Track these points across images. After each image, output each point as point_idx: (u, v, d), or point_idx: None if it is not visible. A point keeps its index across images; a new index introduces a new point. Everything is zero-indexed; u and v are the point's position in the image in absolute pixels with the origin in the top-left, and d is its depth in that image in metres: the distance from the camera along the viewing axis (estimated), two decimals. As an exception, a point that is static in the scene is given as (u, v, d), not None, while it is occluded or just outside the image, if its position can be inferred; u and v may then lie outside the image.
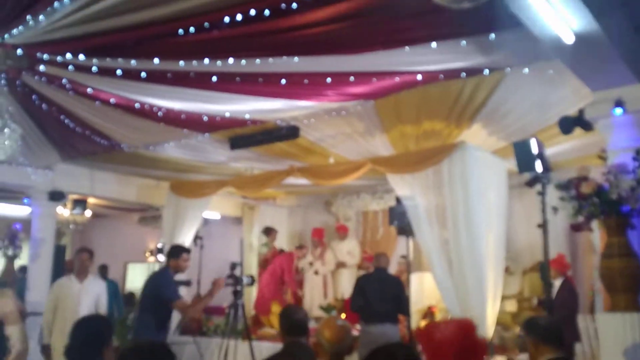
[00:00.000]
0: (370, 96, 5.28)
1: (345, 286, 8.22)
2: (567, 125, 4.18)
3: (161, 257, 7.45)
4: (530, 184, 4.22)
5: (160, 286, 5.16)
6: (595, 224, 4.38)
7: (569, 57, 3.74)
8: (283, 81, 4.79)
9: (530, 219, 4.66)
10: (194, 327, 7.69)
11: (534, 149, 4.09)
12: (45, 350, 5.75)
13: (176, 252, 5.38)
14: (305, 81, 4.82)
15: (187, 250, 5.48)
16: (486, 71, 4.60)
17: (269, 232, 9.33)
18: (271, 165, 7.56)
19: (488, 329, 5.41)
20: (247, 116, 5.85)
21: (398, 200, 6.13)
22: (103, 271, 9.91)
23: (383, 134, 6.29)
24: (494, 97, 5.08)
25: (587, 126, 4.18)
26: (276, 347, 4.82)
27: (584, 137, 5.34)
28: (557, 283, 6.39)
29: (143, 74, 4.68)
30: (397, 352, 1.62)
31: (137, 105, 5.48)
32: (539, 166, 4.05)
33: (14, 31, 4.21)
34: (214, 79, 4.72)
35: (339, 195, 9.70)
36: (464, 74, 4.70)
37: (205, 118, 5.75)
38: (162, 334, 5.14)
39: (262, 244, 9.53)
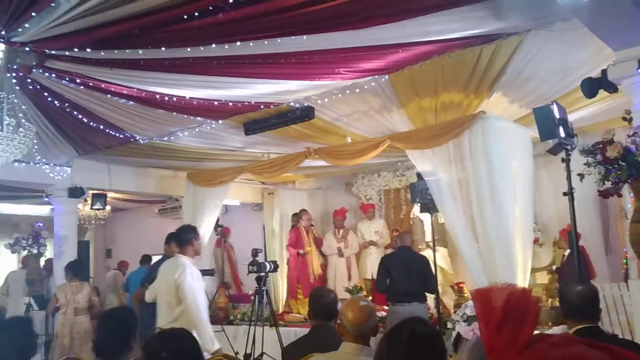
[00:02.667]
0: (383, 71, 5.14)
1: (374, 266, 8.13)
2: (590, 87, 4.00)
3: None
4: (554, 151, 4.07)
5: None
6: (624, 189, 4.21)
7: (587, 15, 3.55)
8: (293, 61, 4.69)
9: (558, 188, 4.50)
10: (221, 316, 7.71)
11: (556, 115, 3.92)
12: None
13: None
14: (316, 58, 4.70)
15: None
16: (502, 36, 4.43)
17: (297, 215, 9.10)
18: (288, 149, 7.47)
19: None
20: (259, 100, 5.76)
21: (419, 176, 6.00)
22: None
23: (400, 109, 6.14)
24: (513, 63, 4.91)
25: (610, 87, 3.99)
26: (305, 332, 4.78)
27: (609, 100, 5.15)
28: (567, 253, 6.26)
29: (150, 63, 4.61)
30: (418, 328, 1.58)
31: (148, 95, 5.43)
32: (561, 132, 3.89)
33: (20, 29, 4.18)
34: (222, 63, 4.63)
35: (359, 175, 9.58)
36: (478, 41, 4.54)
37: (216, 104, 5.67)
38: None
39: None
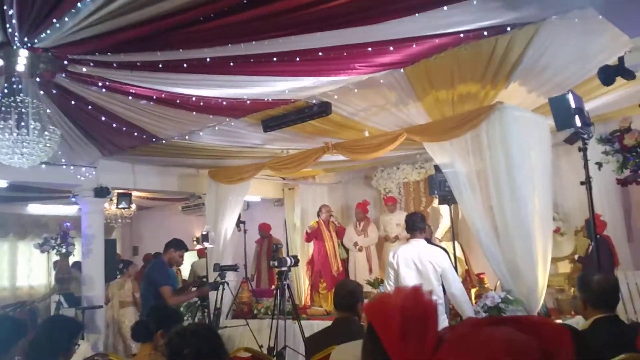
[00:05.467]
0: (399, 65, 5.16)
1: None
2: (608, 75, 3.98)
3: (207, 244, 7.59)
4: (570, 140, 4.06)
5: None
6: (644, 176, 4.19)
7: (602, 3, 3.54)
8: (308, 58, 4.73)
9: (579, 177, 4.46)
10: (245, 311, 7.83)
11: (572, 104, 3.91)
12: None
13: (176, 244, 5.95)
14: (331, 55, 4.74)
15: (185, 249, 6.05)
16: (516, 27, 4.42)
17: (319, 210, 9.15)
18: (306, 144, 7.54)
19: (539, 292, 5.30)
20: (276, 97, 5.83)
21: (437, 168, 6.01)
22: (156, 256, 10.09)
23: (417, 102, 6.16)
24: (529, 52, 4.88)
25: (628, 75, 3.98)
26: (327, 325, 4.85)
27: (627, 87, 5.09)
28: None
29: (169, 65, 4.70)
30: None
31: (168, 96, 5.54)
32: (577, 121, 3.88)
33: (43, 35, 4.30)
34: (238, 63, 4.70)
35: (378, 168, 9.61)
36: (493, 32, 4.52)
37: (234, 103, 5.76)
38: None
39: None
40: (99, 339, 7.92)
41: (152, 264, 6.17)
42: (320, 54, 4.69)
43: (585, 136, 3.95)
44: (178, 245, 5.93)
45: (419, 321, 1.07)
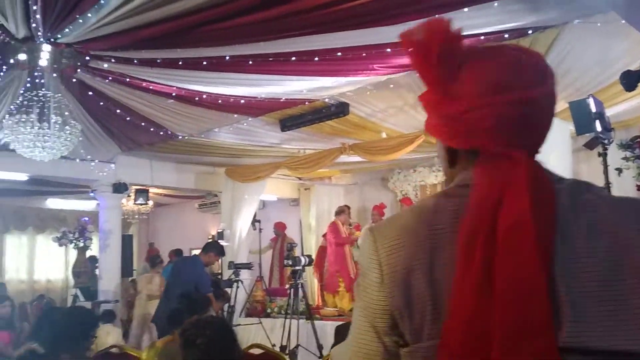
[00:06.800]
0: (417, 66, 5.13)
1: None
2: (630, 80, 3.91)
3: (222, 242, 7.63)
4: (590, 145, 4.01)
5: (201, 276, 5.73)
6: (665, 183, 4.13)
7: (625, 7, 3.49)
8: (327, 58, 4.74)
9: (598, 183, 4.40)
10: (259, 309, 7.86)
11: (592, 108, 3.86)
12: None
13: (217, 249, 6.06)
14: (350, 55, 4.74)
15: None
16: (538, 30, 4.38)
17: (341, 208, 9.15)
18: (323, 145, 7.55)
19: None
20: (294, 96, 5.84)
21: (454, 172, 5.98)
22: (178, 253, 10.17)
23: (435, 105, 6.12)
24: (550, 56, 4.82)
25: (652, 80, 3.90)
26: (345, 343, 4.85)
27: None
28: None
29: (189, 62, 4.74)
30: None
31: (187, 93, 5.58)
32: (597, 126, 3.83)
33: (66, 30, 4.36)
34: (258, 61, 4.72)
35: (395, 170, 9.57)
36: (514, 34, 4.49)
37: (253, 101, 5.79)
38: None
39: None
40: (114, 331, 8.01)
41: (194, 263, 6.16)
42: (339, 54, 4.70)
43: (606, 141, 3.90)
44: (220, 252, 6.14)
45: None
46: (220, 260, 8.64)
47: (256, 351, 4.04)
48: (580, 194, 0.94)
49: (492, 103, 0.95)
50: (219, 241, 7.60)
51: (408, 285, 0.91)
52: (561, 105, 5.87)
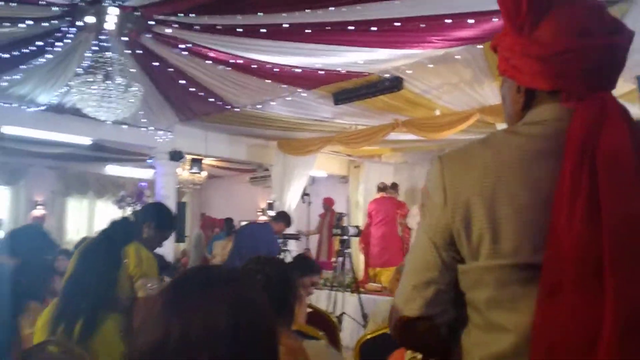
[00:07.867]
0: (476, 40, 5.03)
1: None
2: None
3: (271, 214, 7.79)
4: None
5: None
6: None
7: None
8: (385, 28, 4.72)
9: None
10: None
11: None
12: None
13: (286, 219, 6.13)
14: (409, 26, 4.70)
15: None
16: (607, 5, 4.23)
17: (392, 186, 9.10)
18: (375, 120, 7.54)
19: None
20: (349, 68, 5.85)
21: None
22: (229, 224, 10.46)
23: (493, 82, 6.00)
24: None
25: None
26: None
27: None
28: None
29: (247, 30, 4.83)
30: None
31: (245, 62, 5.68)
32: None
33: (132, -6, 4.53)
34: (315, 30, 4.76)
35: (446, 151, 9.46)
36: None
37: (308, 72, 5.84)
38: None
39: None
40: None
41: (267, 229, 6.24)
42: (396, 24, 4.67)
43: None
44: (289, 223, 6.31)
45: None
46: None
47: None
48: None
49: (579, 47, 1.01)
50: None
51: (468, 209, 1.00)
52: (626, 86, 5.65)
